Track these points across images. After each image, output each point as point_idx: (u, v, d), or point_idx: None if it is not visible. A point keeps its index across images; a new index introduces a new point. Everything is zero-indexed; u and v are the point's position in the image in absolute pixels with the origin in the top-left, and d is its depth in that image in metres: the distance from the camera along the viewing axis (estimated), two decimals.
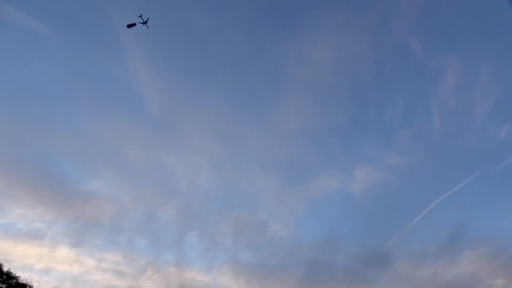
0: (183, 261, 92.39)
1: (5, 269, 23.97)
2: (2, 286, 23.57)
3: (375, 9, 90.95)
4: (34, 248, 69.12)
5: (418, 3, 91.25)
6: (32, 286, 25.48)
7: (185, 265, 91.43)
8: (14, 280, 24.39)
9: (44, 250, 71.55)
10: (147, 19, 30.06)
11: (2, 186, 71.34)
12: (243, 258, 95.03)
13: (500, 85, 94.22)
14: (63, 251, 79.20)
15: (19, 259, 69.21)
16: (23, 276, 26.94)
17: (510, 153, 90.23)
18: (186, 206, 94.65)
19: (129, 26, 30.65)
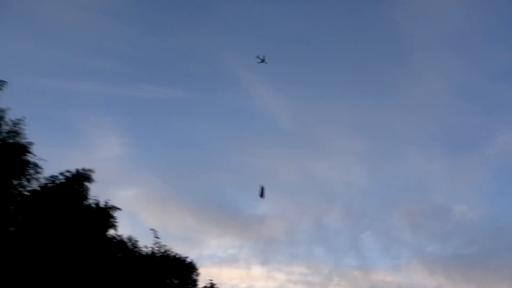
0: (366, 263, 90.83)
1: None
2: None
3: None
4: (234, 270, 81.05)
5: None
6: None
7: (369, 267, 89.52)
8: None
9: (242, 271, 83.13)
10: (264, 57, 31.77)
11: (199, 225, 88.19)
12: (432, 251, 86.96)
13: None
14: (257, 270, 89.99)
15: (226, 281, 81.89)
16: None
17: None
18: (349, 208, 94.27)
19: None
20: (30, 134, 14.94)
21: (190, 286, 24.75)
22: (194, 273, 25.33)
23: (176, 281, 23.57)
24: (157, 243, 21.31)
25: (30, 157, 14.63)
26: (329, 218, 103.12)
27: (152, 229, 22.08)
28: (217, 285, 28.90)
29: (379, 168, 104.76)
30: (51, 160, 15.88)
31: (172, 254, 23.34)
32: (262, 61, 31.03)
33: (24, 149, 14.34)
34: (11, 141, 14.03)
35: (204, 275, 33.58)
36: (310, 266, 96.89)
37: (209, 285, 28.26)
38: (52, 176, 15.87)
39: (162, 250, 22.22)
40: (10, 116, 14.17)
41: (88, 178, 16.98)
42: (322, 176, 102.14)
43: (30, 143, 14.56)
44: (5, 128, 13.87)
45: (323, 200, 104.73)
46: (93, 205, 17.51)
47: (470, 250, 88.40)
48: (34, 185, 15.21)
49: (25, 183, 14.86)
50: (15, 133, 14.15)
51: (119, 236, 19.16)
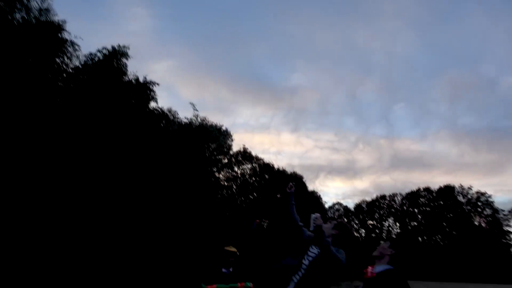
0: (393, 133, 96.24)
1: (253, 154, 31.80)
2: (255, 165, 31.87)
3: None
4: (265, 136, 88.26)
5: None
6: (273, 164, 33.13)
7: (395, 137, 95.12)
8: (261, 161, 32.40)
9: (272, 137, 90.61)
10: None
11: (232, 95, 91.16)
12: (465, 122, 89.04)
13: None
14: (286, 136, 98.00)
15: (258, 146, 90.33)
16: (265, 157, 35.17)
17: None
18: (387, 79, 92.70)
19: None
20: (58, 9, 14.31)
21: (225, 150, 27.34)
22: (229, 139, 27.58)
23: (213, 146, 25.98)
24: (196, 115, 22.76)
25: (66, 35, 14.43)
26: (363, 89, 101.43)
27: (191, 103, 23.49)
28: (249, 149, 31.85)
29: (429, 34, 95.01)
30: (83, 35, 15.72)
31: (209, 123, 25.02)
32: None
33: (58, 27, 14.01)
34: (43, 19, 13.60)
35: (237, 141, 36.63)
36: (338, 134, 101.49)
37: (242, 149, 31.16)
38: (90, 54, 15.92)
39: (200, 120, 23.78)
40: None
41: (125, 55, 16.92)
42: (363, 45, 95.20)
43: (63, 21, 14.09)
44: (35, 4, 13.23)
45: (360, 70, 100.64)
46: (133, 81, 18.00)
47: (505, 124, 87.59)
48: (76, 62, 15.51)
49: (66, 61, 15.13)
50: (46, 10, 13.56)
51: (160, 108, 20.30)
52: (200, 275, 5.67)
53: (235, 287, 5.18)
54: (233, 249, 5.54)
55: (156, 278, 18.49)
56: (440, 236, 58.60)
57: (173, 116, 21.56)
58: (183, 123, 22.50)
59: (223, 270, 5.40)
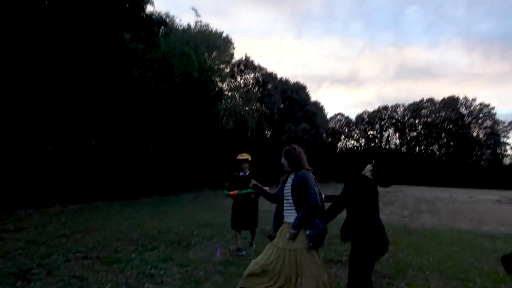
0: (402, 40, 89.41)
1: (255, 63, 31.03)
2: (258, 75, 31.59)
3: None
4: (266, 43, 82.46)
5: None
6: (276, 74, 33.06)
7: (404, 44, 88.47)
8: (264, 71, 31.92)
9: (274, 44, 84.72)
10: None
11: None
12: (481, 29, 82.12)
13: None
14: (289, 43, 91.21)
15: (259, 53, 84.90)
16: (267, 66, 34.13)
17: None
18: None
19: None
20: None
21: (227, 59, 26.39)
22: (231, 47, 26.40)
23: (214, 54, 25.00)
24: (197, 21, 21.36)
25: None
26: None
27: (193, 8, 22.17)
28: (251, 58, 30.67)
29: None
30: None
31: (209, 30, 23.61)
32: None
33: None
34: None
35: (238, 48, 34.86)
36: (343, 41, 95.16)
37: (244, 58, 30.01)
38: None
39: (200, 26, 22.36)
40: None
41: None
42: None
43: None
44: None
45: None
46: None
47: None
48: None
49: None
50: None
51: (158, 13, 18.83)
52: (222, 183, 6.08)
53: (253, 191, 5.38)
54: (245, 156, 5.78)
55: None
56: (437, 147, 60.37)
57: (171, 22, 20.18)
58: (181, 29, 21.21)
59: (241, 174, 5.80)
